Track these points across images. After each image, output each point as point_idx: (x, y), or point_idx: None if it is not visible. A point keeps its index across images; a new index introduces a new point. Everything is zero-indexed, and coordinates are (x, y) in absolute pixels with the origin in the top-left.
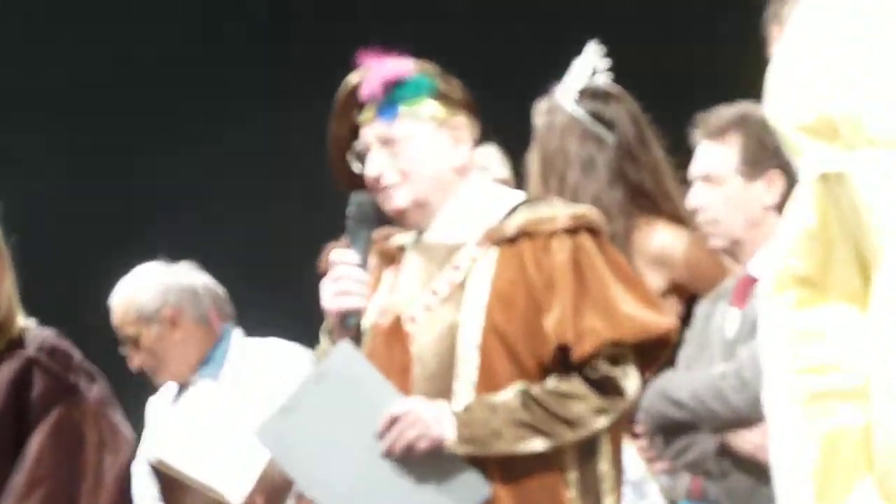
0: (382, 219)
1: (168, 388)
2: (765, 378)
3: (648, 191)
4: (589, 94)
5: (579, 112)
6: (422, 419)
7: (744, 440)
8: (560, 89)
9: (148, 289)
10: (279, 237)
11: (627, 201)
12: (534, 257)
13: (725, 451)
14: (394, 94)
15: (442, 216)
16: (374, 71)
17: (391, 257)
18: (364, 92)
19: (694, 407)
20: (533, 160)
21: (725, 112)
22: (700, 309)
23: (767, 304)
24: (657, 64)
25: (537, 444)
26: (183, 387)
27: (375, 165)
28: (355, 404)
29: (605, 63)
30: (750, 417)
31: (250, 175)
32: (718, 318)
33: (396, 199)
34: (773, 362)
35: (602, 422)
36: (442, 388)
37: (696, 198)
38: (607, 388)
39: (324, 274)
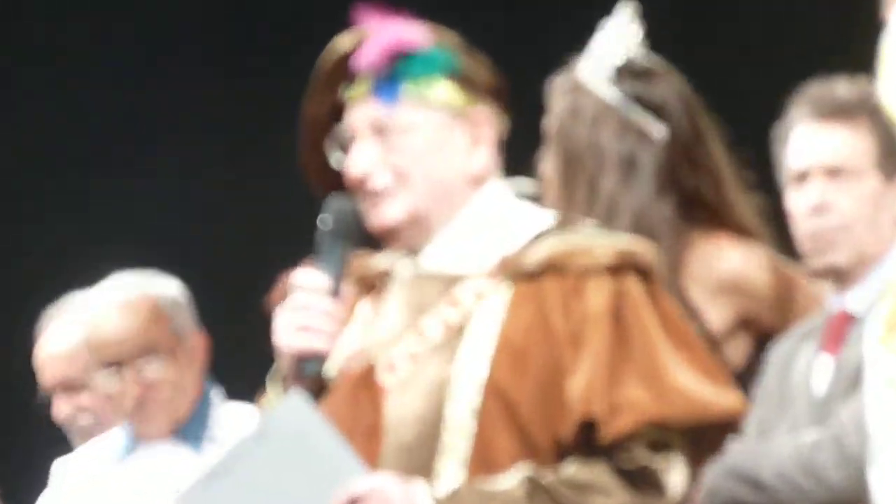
0: (367, 233)
1: (103, 443)
2: (872, 448)
3: (706, 199)
4: (628, 72)
5: (616, 95)
6: (390, 502)
7: None
8: (586, 63)
9: (142, 302)
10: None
11: (678, 214)
12: (561, 300)
13: None
14: (398, 67)
15: (443, 236)
16: (375, 35)
17: (370, 285)
18: (360, 61)
19: (778, 488)
20: (549, 159)
21: (843, 88)
22: (776, 353)
23: (877, 351)
24: (705, 33)
25: None
26: (137, 444)
27: (363, 160)
28: (304, 474)
29: (640, 30)
30: (852, 499)
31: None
32: (803, 366)
33: (386, 210)
34: (883, 427)
35: None
36: (419, 463)
37: (818, 194)
38: (643, 482)
39: (276, 305)
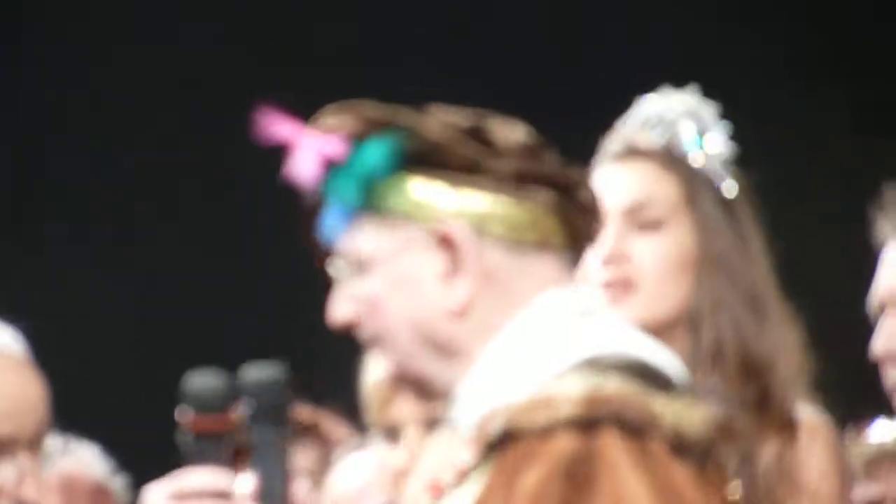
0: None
1: None
2: None
3: None
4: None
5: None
6: None
7: None
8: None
9: None
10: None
11: None
12: (507, 479)
13: None
14: (333, 178)
15: (462, 387)
16: (297, 146)
17: None
18: (298, 181)
19: None
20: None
21: None
22: None
23: None
24: None
25: None
26: None
27: (334, 309)
28: None
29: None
30: None
31: None
32: None
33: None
34: None
35: None
36: None
37: None
38: None
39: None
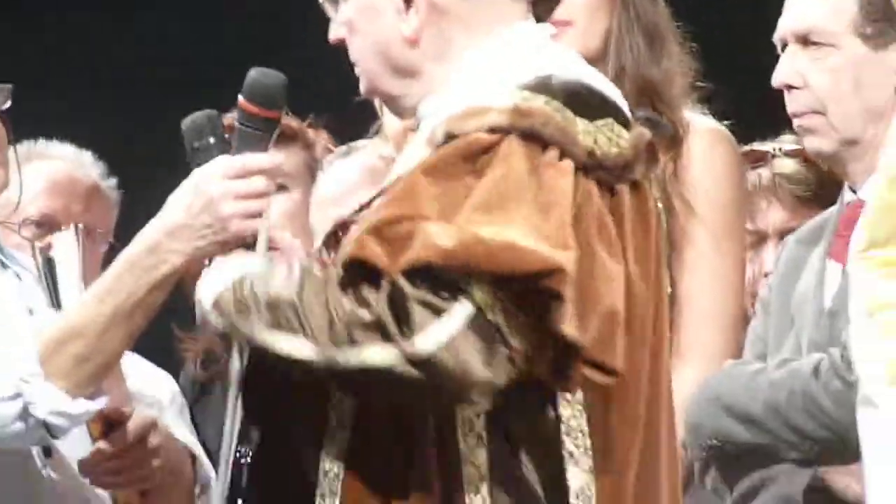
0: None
1: None
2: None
3: None
4: None
5: None
6: None
7: (846, 476)
8: None
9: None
10: None
11: None
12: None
13: (819, 492)
14: None
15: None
16: None
17: None
18: None
19: (771, 423)
20: None
21: None
22: (785, 257)
23: (855, 269)
24: None
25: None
26: None
27: (333, 29)
28: None
29: None
30: (855, 438)
31: None
32: (811, 273)
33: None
34: (865, 365)
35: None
36: None
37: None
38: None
39: None
